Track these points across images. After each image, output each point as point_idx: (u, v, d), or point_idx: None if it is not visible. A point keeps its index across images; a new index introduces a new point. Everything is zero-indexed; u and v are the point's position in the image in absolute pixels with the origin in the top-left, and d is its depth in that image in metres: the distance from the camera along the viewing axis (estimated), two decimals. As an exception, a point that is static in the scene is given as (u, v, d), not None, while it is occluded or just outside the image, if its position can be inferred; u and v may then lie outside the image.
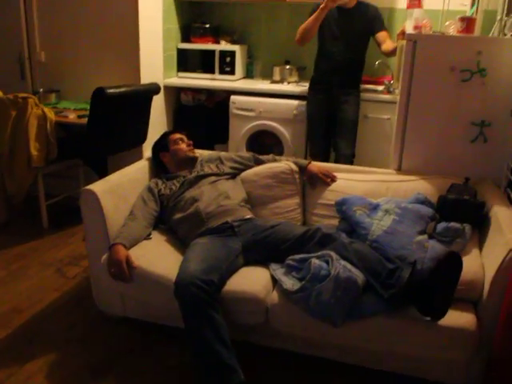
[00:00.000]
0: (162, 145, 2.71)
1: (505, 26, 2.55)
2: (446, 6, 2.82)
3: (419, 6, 2.80)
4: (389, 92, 3.50)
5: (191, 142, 2.71)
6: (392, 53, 3.25)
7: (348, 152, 3.36)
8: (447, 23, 2.56)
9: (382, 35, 3.29)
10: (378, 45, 3.32)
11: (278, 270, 2.10)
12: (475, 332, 1.86)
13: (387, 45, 3.28)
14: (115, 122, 3.24)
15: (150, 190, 2.51)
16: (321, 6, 3.12)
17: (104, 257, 2.22)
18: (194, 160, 2.66)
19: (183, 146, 2.67)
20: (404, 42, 2.78)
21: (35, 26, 3.84)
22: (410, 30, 2.73)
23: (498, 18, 2.62)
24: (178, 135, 2.72)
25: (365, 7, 3.29)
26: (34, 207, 3.59)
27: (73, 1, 3.70)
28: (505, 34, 2.53)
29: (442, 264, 1.82)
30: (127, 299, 2.35)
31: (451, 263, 1.83)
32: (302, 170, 2.62)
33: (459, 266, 1.84)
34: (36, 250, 3.22)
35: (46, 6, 3.78)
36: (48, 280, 2.86)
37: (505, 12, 2.68)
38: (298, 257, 2.06)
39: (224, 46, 4.04)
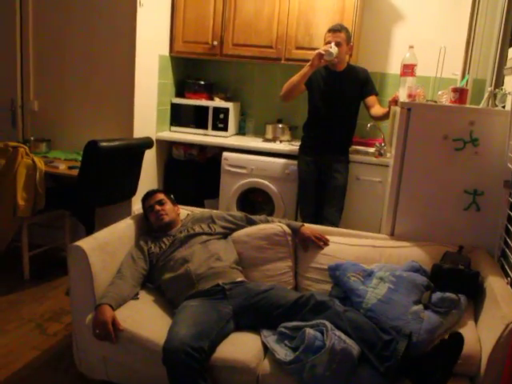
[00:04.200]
0: (143, 208, 2.67)
1: (495, 97, 2.62)
2: (438, 74, 2.90)
3: (412, 74, 2.88)
4: (380, 155, 3.54)
5: (162, 208, 2.57)
6: (383, 118, 3.31)
7: (335, 220, 3.32)
8: (440, 92, 2.63)
9: (371, 99, 3.33)
10: (367, 108, 3.36)
11: (270, 338, 2.03)
12: (473, 410, 1.80)
13: (377, 109, 3.32)
14: (106, 175, 3.21)
15: (139, 247, 2.46)
16: (308, 64, 3.15)
17: (89, 317, 2.13)
18: (169, 224, 2.57)
19: (153, 216, 2.58)
20: (396, 109, 2.85)
21: (30, 75, 3.86)
22: (403, 97, 2.79)
23: (489, 89, 2.70)
24: (151, 201, 2.61)
25: (355, 70, 3.34)
26: (16, 257, 3.48)
27: (70, 51, 3.75)
28: (496, 105, 2.59)
29: (445, 344, 1.79)
30: (110, 362, 2.23)
31: (453, 343, 1.79)
32: (295, 232, 2.59)
33: (460, 346, 1.80)
34: (16, 303, 3.10)
35: (43, 56, 3.82)
36: (27, 337, 2.74)
37: (493, 84, 2.77)
38: (290, 325, 2.00)
39: (218, 102, 4.09)
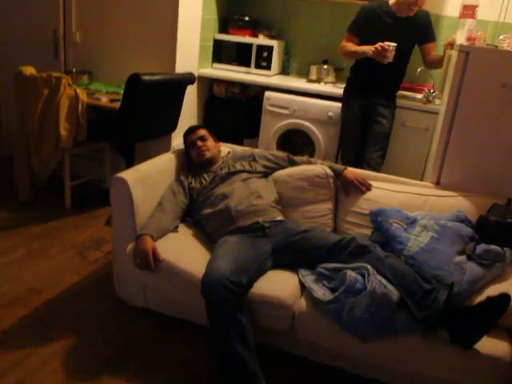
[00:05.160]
0: (185, 143, 2.65)
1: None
2: (500, 18, 2.71)
3: (473, 16, 2.70)
4: (428, 101, 3.39)
5: (204, 144, 2.55)
6: (436, 64, 3.14)
7: (376, 166, 3.23)
8: (502, 37, 2.47)
9: (429, 47, 3.16)
10: (423, 55, 3.20)
11: (308, 277, 2.03)
12: (510, 363, 1.78)
13: (432, 56, 3.16)
14: (147, 110, 3.19)
15: (180, 182, 2.46)
16: (368, 52, 2.94)
17: (130, 246, 2.17)
18: (210, 160, 2.55)
19: (194, 151, 2.56)
20: (452, 53, 2.70)
21: (72, 6, 3.79)
22: (462, 40, 2.63)
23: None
24: (193, 136, 2.58)
25: (418, 15, 3.10)
26: (58, 187, 3.56)
27: (113, -16, 3.65)
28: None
29: (491, 302, 1.75)
30: (149, 291, 2.30)
31: (500, 303, 1.76)
32: (337, 175, 2.54)
33: (506, 307, 1.76)
34: (57, 230, 3.19)
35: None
36: (68, 262, 2.83)
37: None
38: (330, 266, 1.99)
39: (262, 40, 3.96)
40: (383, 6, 3.09)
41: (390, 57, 2.90)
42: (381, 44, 2.88)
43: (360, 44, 3.12)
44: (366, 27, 3.12)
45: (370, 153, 3.26)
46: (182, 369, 2.11)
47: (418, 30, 3.12)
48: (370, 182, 2.53)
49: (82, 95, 3.29)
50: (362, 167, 3.01)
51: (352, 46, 3.12)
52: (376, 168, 3.18)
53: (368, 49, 2.96)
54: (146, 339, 2.27)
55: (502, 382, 1.81)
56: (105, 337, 2.25)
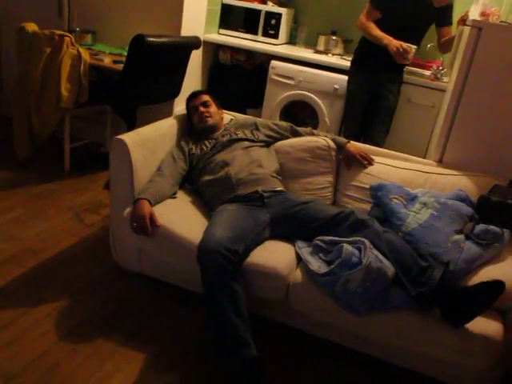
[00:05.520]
0: (187, 108, 2.61)
1: None
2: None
3: (488, -9, 2.62)
4: (436, 78, 3.33)
5: (207, 110, 2.51)
6: (449, 44, 3.07)
7: (380, 141, 3.19)
8: (516, 14, 2.40)
9: (447, 30, 3.10)
10: (439, 37, 3.15)
11: (305, 249, 2.03)
12: (500, 342, 1.78)
13: (446, 39, 3.11)
14: (151, 72, 3.13)
15: (180, 147, 2.44)
16: (390, 48, 2.89)
17: (127, 210, 2.16)
18: (212, 127, 2.52)
19: (196, 117, 2.52)
20: (464, 29, 2.63)
21: (79, -37, 3.70)
22: (475, 16, 2.56)
23: None
24: (196, 102, 2.54)
25: None
26: (58, 148, 3.53)
27: None
28: None
29: (485, 286, 1.75)
30: (145, 256, 2.30)
31: (493, 289, 1.75)
32: (340, 148, 2.52)
33: (499, 294, 1.76)
34: (55, 192, 3.18)
35: None
36: (65, 224, 2.82)
37: None
38: (327, 238, 1.98)
39: (271, 7, 3.87)
40: None
41: (410, 58, 2.93)
42: (403, 46, 2.85)
43: (381, 16, 3.05)
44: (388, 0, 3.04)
45: (374, 128, 3.22)
46: (175, 334, 2.12)
47: (439, 11, 3.05)
48: (372, 156, 2.50)
49: (85, 55, 3.23)
50: (365, 142, 2.97)
51: (375, 30, 3.02)
52: (380, 144, 3.14)
53: (389, 42, 2.91)
54: (140, 304, 2.27)
55: (492, 361, 1.82)
56: (99, 300, 2.25)
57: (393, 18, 2.99)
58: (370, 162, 2.48)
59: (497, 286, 1.75)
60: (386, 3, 3.06)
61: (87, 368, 1.88)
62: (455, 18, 3.16)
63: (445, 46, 3.17)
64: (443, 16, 3.08)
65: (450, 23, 3.12)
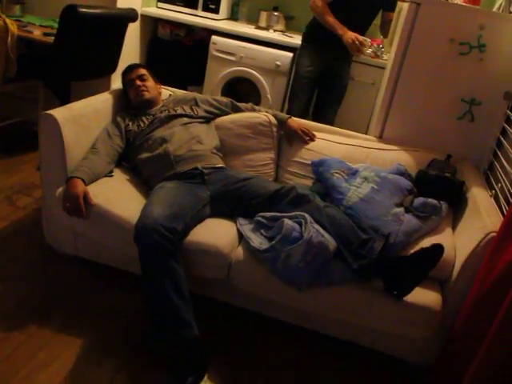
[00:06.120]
0: (123, 82, 2.50)
1: (510, 3, 2.44)
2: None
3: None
4: (376, 56, 3.36)
5: (143, 84, 2.42)
6: (388, 25, 3.11)
7: (332, 121, 3.19)
8: (453, -10, 2.43)
9: (391, 15, 3.10)
10: (382, 21, 3.19)
11: (246, 226, 1.99)
12: (439, 312, 1.83)
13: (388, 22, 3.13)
14: (85, 46, 2.96)
15: (116, 124, 2.33)
16: (346, 39, 2.79)
17: (60, 190, 2.04)
18: (149, 101, 2.42)
19: (132, 91, 2.42)
20: (403, 5, 2.65)
21: None
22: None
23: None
24: (132, 75, 2.44)
25: None
26: (-15, 128, 3.32)
27: None
28: (510, 12, 2.42)
29: (425, 252, 1.78)
30: (80, 238, 2.19)
31: (433, 253, 1.78)
32: (281, 124, 2.48)
33: (439, 257, 1.79)
34: (-17, 172, 2.99)
35: None
36: (-6, 206, 2.66)
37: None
38: (268, 214, 1.96)
39: (211, -20, 3.76)
40: None
41: (364, 51, 2.97)
42: (359, 38, 2.77)
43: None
44: None
45: (328, 109, 3.22)
46: (114, 318, 2.04)
47: None
48: (314, 132, 2.49)
49: (13, 27, 3.00)
50: (315, 121, 2.94)
51: (330, 18, 2.90)
52: (331, 123, 3.12)
53: (344, 33, 2.81)
54: (75, 288, 2.17)
55: (431, 330, 1.86)
56: (32, 285, 2.13)
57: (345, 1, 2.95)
58: (312, 138, 2.47)
59: (436, 249, 1.79)
60: None
61: (19, 357, 1.78)
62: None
63: (385, 27, 3.19)
64: (391, 1, 3.09)
65: (394, 10, 3.11)
